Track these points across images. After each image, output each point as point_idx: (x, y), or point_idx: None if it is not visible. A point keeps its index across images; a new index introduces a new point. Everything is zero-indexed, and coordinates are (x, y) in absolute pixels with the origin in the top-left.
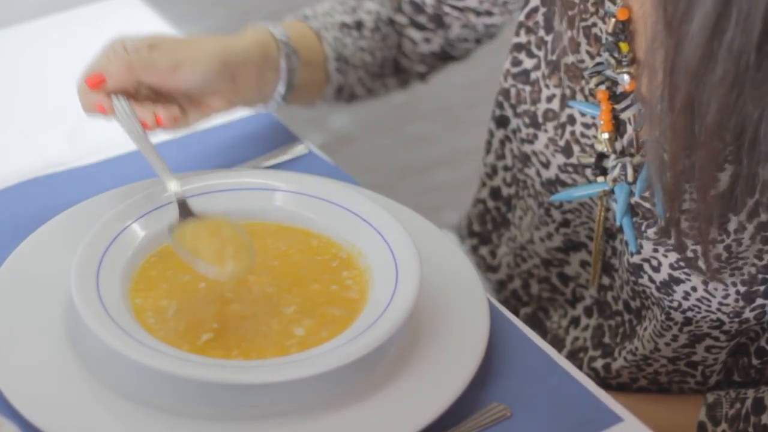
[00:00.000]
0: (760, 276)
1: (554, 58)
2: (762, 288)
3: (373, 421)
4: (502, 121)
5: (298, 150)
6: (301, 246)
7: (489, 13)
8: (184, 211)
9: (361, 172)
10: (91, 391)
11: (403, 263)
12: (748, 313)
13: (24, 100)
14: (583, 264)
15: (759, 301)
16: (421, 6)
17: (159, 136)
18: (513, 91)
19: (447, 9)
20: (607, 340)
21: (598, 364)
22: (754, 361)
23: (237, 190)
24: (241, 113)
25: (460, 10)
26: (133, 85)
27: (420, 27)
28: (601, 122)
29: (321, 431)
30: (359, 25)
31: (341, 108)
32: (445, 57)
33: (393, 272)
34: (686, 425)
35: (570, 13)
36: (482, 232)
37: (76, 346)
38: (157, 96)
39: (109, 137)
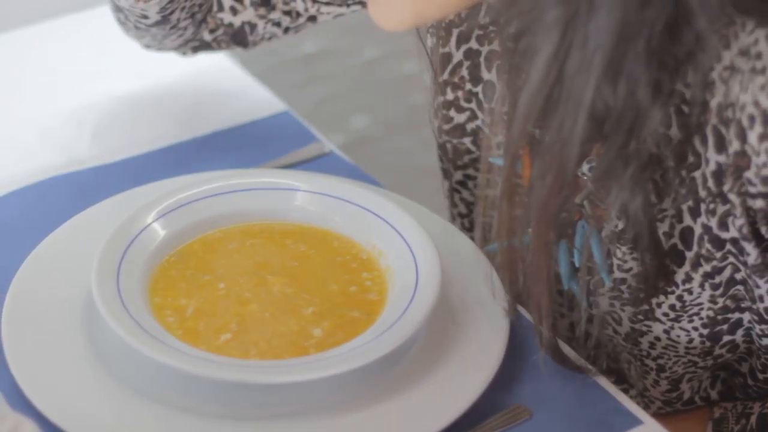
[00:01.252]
0: (719, 317)
1: (494, 106)
2: (725, 327)
3: (394, 422)
4: (445, 174)
5: (319, 150)
6: (320, 246)
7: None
8: None
9: (382, 173)
10: (110, 389)
11: (423, 265)
12: (718, 350)
13: (45, 99)
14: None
15: (726, 338)
16: None
17: (178, 136)
18: (449, 146)
19: None
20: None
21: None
22: (750, 382)
23: (257, 189)
24: (260, 112)
25: None
26: None
27: None
28: (524, 177)
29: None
30: None
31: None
32: (237, 39)
33: (413, 274)
34: None
35: (497, 63)
36: None
37: (96, 344)
38: None
39: (130, 136)
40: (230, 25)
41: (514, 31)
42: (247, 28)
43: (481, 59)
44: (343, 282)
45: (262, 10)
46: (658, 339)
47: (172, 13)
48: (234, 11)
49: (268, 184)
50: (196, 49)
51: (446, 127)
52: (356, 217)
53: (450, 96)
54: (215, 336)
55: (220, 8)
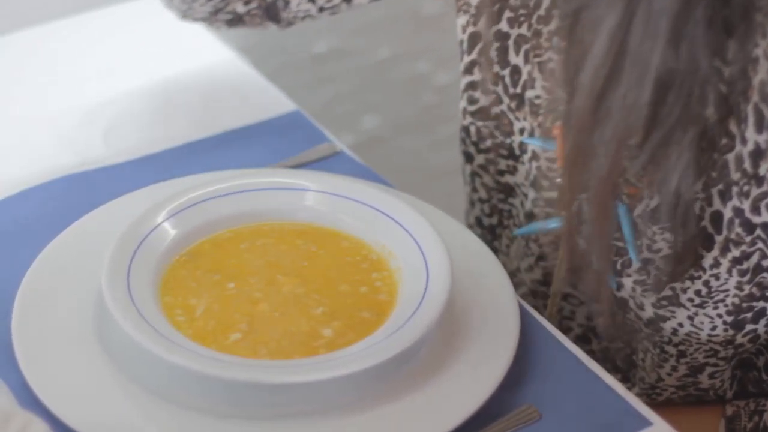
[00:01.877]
0: (744, 305)
1: (518, 91)
2: (749, 315)
3: (403, 422)
4: (467, 157)
5: (329, 150)
6: (331, 247)
7: None
8: None
9: (392, 173)
10: (121, 388)
11: (433, 265)
12: (740, 339)
13: (59, 98)
14: (565, 297)
15: (749, 327)
16: None
17: (189, 136)
18: (473, 129)
19: None
20: (619, 363)
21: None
22: (765, 377)
23: (267, 189)
24: (271, 112)
25: None
26: None
27: None
28: (558, 158)
29: None
30: None
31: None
32: (271, 13)
33: (423, 274)
34: None
35: (525, 47)
36: None
37: (106, 343)
38: None
39: (142, 136)
40: None
41: (575, 5)
42: (280, 3)
43: (510, 42)
44: (353, 282)
45: None
46: (681, 325)
47: None
48: None
49: (279, 183)
50: (230, 23)
51: (471, 108)
52: (366, 217)
53: (477, 77)
54: (225, 336)
55: None
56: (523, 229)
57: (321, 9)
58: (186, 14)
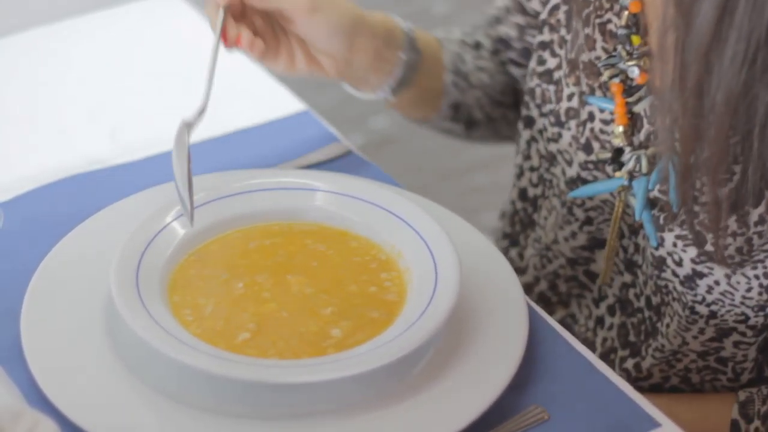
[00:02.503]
0: None
1: (573, 56)
2: None
3: (412, 423)
4: (528, 122)
5: (339, 150)
6: (340, 247)
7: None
8: None
9: (401, 174)
10: (129, 387)
11: (442, 265)
12: None
13: (65, 98)
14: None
15: None
16: (507, 41)
17: (198, 136)
18: (538, 91)
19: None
20: (632, 338)
21: (629, 364)
22: None
23: (277, 189)
24: (281, 112)
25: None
26: (257, 4)
27: (516, 63)
28: (616, 115)
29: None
30: (478, 46)
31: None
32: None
33: (432, 274)
34: (719, 424)
35: (586, 10)
36: (512, 233)
37: (115, 343)
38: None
39: (150, 135)
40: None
41: None
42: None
43: (574, 6)
44: (362, 282)
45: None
46: (717, 283)
47: (473, 125)
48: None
49: (288, 183)
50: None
51: (540, 69)
52: (376, 217)
53: (546, 37)
54: (233, 335)
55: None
56: (578, 192)
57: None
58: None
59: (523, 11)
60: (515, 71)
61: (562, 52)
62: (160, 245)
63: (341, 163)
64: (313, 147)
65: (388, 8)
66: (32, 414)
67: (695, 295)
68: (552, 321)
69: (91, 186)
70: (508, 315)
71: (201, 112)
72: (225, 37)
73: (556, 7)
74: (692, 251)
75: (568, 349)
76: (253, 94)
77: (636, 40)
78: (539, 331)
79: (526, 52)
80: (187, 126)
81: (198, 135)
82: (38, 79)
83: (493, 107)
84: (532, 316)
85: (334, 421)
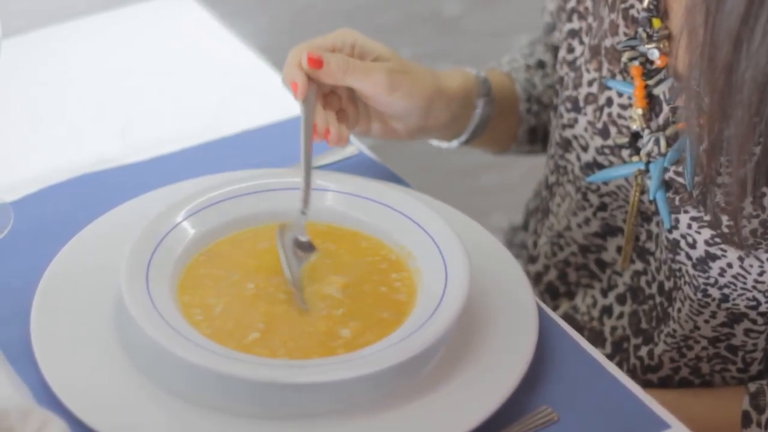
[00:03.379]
0: None
1: (595, 42)
2: None
3: (421, 423)
4: (555, 110)
5: (349, 151)
6: (350, 247)
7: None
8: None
9: (411, 174)
10: (139, 386)
11: (452, 266)
12: None
13: (75, 97)
14: (620, 249)
15: None
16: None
17: (207, 135)
18: (566, 80)
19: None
20: (644, 325)
21: (643, 352)
22: None
23: (287, 189)
24: (292, 112)
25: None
26: (337, 83)
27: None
28: (635, 98)
29: None
30: (542, 64)
31: None
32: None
33: (442, 275)
34: (730, 416)
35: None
36: (533, 222)
37: (125, 342)
38: (347, 98)
39: (160, 135)
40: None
41: None
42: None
43: None
44: (372, 283)
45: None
46: (730, 266)
47: (547, 137)
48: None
49: (298, 184)
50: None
51: (569, 57)
52: (386, 217)
53: (576, 25)
54: (243, 335)
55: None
56: (595, 176)
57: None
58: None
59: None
60: None
61: (587, 40)
62: (170, 245)
63: (351, 163)
64: (323, 147)
65: (398, 9)
66: (41, 413)
67: (707, 278)
68: (562, 322)
69: (101, 186)
70: (517, 316)
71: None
72: (314, 129)
73: None
74: (706, 233)
75: (577, 350)
76: (265, 94)
77: (657, 23)
78: (549, 332)
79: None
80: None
81: (207, 135)
82: (48, 79)
83: None
84: (542, 316)
85: (343, 421)
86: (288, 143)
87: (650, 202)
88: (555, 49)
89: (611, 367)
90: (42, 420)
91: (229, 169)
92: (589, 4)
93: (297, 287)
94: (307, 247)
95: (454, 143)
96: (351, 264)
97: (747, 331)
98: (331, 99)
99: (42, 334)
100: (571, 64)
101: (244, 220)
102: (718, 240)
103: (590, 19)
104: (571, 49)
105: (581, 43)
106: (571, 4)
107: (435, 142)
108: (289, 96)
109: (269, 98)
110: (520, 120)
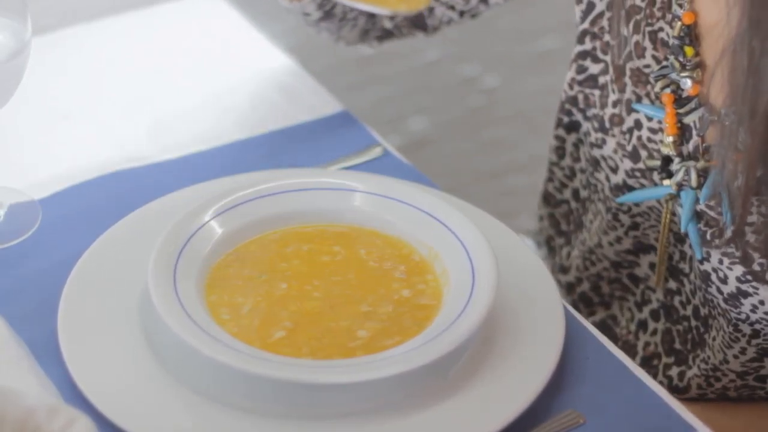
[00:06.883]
0: None
1: (620, 62)
2: None
3: (446, 425)
4: (573, 126)
5: (376, 152)
6: (376, 248)
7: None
8: None
9: (438, 176)
10: (165, 384)
11: (479, 269)
12: None
13: (105, 95)
14: (653, 266)
15: None
16: None
17: (235, 135)
18: (581, 97)
19: None
20: (678, 346)
21: (673, 372)
22: None
23: (314, 190)
24: (319, 113)
25: None
26: None
27: None
28: (666, 125)
29: None
30: None
31: (420, 110)
32: (417, 23)
33: (469, 277)
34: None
35: (636, 17)
36: (567, 231)
37: (151, 340)
38: None
39: (189, 134)
40: None
41: None
42: (425, 12)
43: (623, 12)
44: (398, 284)
45: None
46: (762, 303)
47: (333, 7)
48: None
49: (325, 184)
50: (380, 39)
51: (580, 77)
52: (413, 218)
53: (588, 46)
54: (269, 333)
55: None
56: (627, 197)
57: (461, 13)
58: (337, 41)
59: None
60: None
61: (607, 58)
62: (198, 244)
63: (378, 164)
64: (351, 147)
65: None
66: (68, 411)
67: (739, 313)
68: (590, 325)
69: (129, 184)
70: (544, 318)
71: None
72: None
73: (600, 15)
74: (738, 269)
75: (605, 353)
76: (292, 93)
77: (689, 51)
78: (576, 335)
79: None
80: None
81: (235, 134)
82: (76, 77)
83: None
84: (569, 319)
85: (371, 422)
86: (316, 144)
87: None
88: None
89: (639, 372)
90: (69, 418)
91: (257, 169)
92: (605, 23)
93: None
94: None
95: None
96: (377, 265)
97: None
98: None
99: (69, 332)
100: (585, 83)
101: (272, 220)
102: (749, 277)
103: (606, 37)
104: (582, 70)
105: (596, 61)
106: (584, 26)
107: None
108: (317, 96)
109: (298, 98)
110: None
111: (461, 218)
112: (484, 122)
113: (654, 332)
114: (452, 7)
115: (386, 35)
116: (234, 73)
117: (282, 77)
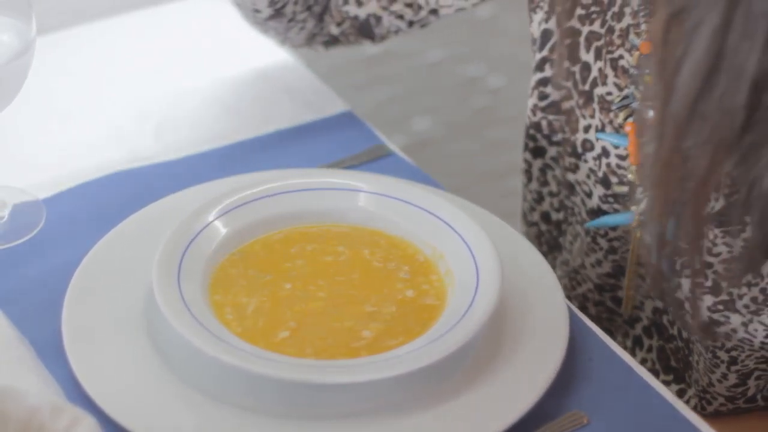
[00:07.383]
0: None
1: (587, 88)
2: None
3: (450, 426)
4: (538, 152)
5: (381, 151)
6: (380, 248)
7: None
8: None
9: (443, 176)
10: (169, 385)
11: (484, 269)
12: None
13: (109, 95)
14: (637, 287)
15: None
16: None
17: (240, 135)
18: (544, 123)
19: None
20: (674, 364)
21: (672, 389)
22: None
23: (318, 190)
24: (323, 112)
25: None
26: None
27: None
28: (630, 155)
29: None
30: None
31: (425, 110)
32: (364, 31)
33: (473, 277)
34: None
35: (597, 44)
36: (543, 252)
37: (155, 340)
38: None
39: (193, 133)
40: (356, 17)
41: (675, 7)
42: (372, 21)
43: (581, 39)
44: (402, 284)
45: (384, 2)
46: (734, 331)
47: (284, 6)
48: (359, 3)
49: (330, 184)
50: (326, 44)
51: (541, 104)
52: (417, 219)
53: (548, 73)
54: (273, 333)
55: (345, 1)
56: (596, 222)
57: (411, 23)
58: (283, 43)
59: None
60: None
61: (568, 84)
62: (202, 244)
63: (383, 164)
64: (355, 147)
65: None
66: (72, 410)
67: (714, 341)
68: (593, 325)
69: (133, 183)
70: (548, 319)
71: None
72: None
73: (560, 40)
74: (709, 299)
75: (608, 354)
76: (296, 93)
77: (649, 79)
78: (580, 335)
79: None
80: None
81: (240, 134)
82: (81, 77)
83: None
84: (573, 320)
85: (372, 423)
86: (320, 143)
87: None
88: None
89: (643, 372)
90: (73, 417)
91: (261, 169)
92: (564, 50)
93: None
94: None
95: None
96: (381, 265)
97: (758, 377)
98: None
99: (73, 332)
100: (547, 109)
101: (276, 220)
102: (720, 307)
103: (566, 63)
104: (543, 97)
105: (558, 87)
106: (543, 53)
107: None
108: (321, 96)
109: (303, 98)
110: None
111: (465, 219)
112: (489, 123)
113: (650, 349)
114: (401, 17)
115: (333, 41)
116: (238, 74)
117: (286, 77)
